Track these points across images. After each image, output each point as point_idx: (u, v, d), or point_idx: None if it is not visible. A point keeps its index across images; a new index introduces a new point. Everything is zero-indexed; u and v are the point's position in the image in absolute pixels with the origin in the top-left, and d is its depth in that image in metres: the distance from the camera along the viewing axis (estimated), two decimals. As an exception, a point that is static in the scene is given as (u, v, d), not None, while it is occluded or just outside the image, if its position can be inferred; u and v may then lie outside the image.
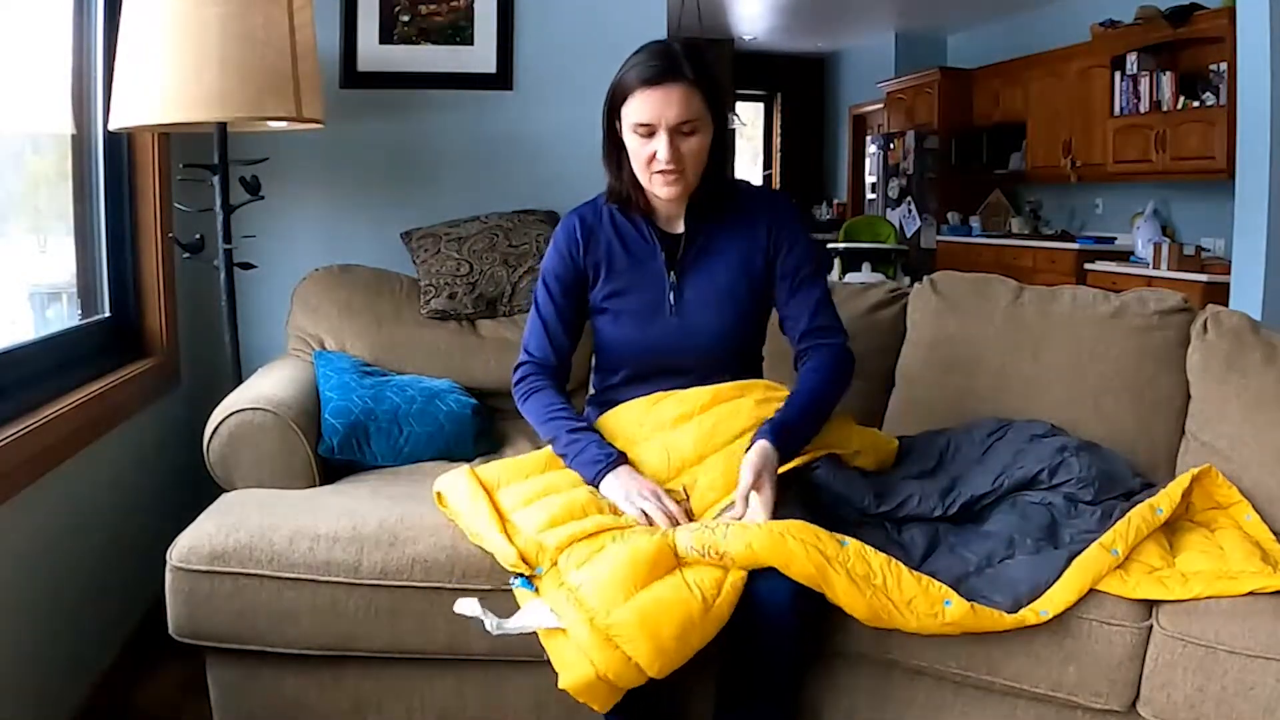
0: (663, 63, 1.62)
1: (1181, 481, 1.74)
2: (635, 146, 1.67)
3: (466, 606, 1.44)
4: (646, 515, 1.56)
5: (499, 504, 1.61)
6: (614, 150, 1.74)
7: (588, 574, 1.43)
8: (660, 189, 1.69)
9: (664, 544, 1.46)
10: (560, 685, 1.39)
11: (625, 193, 1.75)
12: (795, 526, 1.49)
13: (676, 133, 1.63)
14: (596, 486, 1.63)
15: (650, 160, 1.65)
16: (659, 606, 1.38)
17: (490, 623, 1.41)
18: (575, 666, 1.38)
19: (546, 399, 1.75)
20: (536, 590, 1.48)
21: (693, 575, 1.43)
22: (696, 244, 1.78)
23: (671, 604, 1.39)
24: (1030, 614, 1.49)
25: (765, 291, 1.79)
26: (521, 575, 1.50)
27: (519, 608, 1.47)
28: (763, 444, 1.60)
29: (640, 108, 1.63)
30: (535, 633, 1.43)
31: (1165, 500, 1.69)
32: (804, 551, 1.46)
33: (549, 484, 1.64)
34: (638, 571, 1.41)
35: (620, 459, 1.65)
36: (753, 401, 1.73)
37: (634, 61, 1.66)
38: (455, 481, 1.67)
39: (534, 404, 1.76)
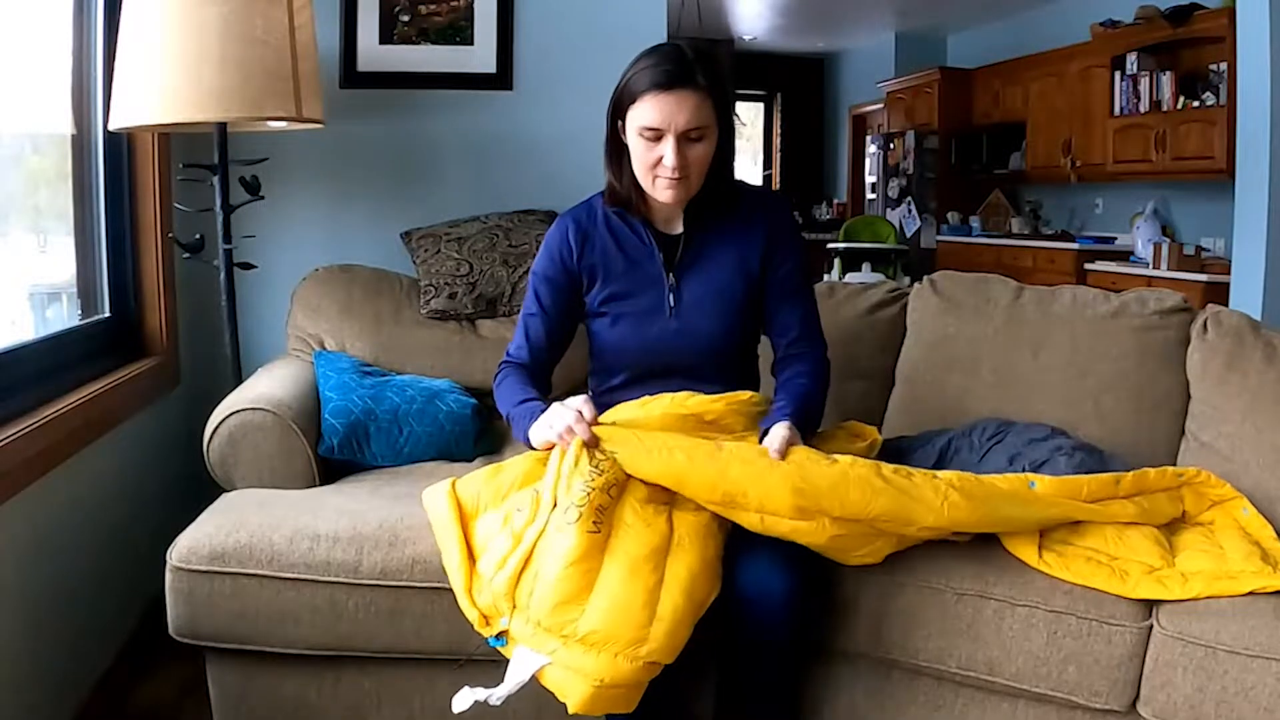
0: (675, 67, 1.60)
1: (1163, 470, 1.75)
2: (640, 150, 1.65)
3: (463, 700, 1.40)
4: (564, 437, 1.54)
5: (472, 542, 1.57)
6: (616, 151, 1.72)
7: (537, 600, 1.41)
8: (662, 194, 1.68)
9: (585, 537, 1.41)
10: (571, 711, 1.39)
11: (626, 194, 1.74)
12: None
13: (684, 139, 1.62)
14: (531, 444, 1.62)
15: (655, 165, 1.64)
16: (614, 600, 1.37)
17: (491, 697, 1.39)
18: (572, 686, 1.38)
19: (512, 380, 1.74)
20: (507, 642, 1.47)
21: (634, 548, 1.41)
22: (694, 246, 1.77)
23: (627, 592, 1.38)
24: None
25: (760, 293, 1.79)
26: (490, 637, 1.49)
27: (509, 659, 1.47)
28: (785, 423, 1.60)
29: (649, 112, 1.61)
30: (535, 677, 1.42)
31: (1131, 476, 1.70)
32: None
33: (513, 509, 1.58)
34: (574, 577, 1.39)
35: (539, 409, 1.63)
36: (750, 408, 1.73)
37: (645, 64, 1.63)
38: (437, 504, 1.63)
39: (502, 389, 1.75)
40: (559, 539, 1.42)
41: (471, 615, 1.50)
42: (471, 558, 1.55)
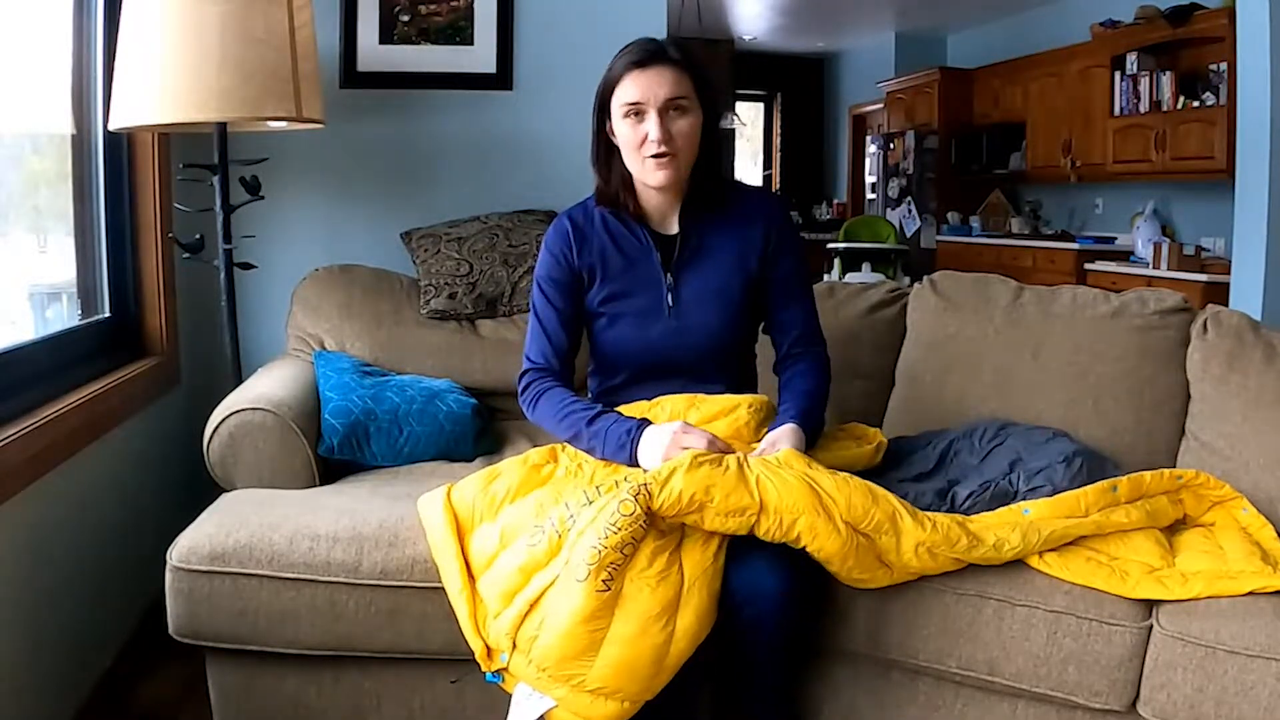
0: (649, 46, 1.68)
1: (1160, 473, 1.75)
2: (626, 132, 1.68)
3: None
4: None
5: (469, 556, 1.58)
6: (604, 152, 1.75)
7: (542, 649, 1.42)
8: (652, 174, 1.69)
9: (593, 597, 1.39)
10: None
11: (615, 195, 1.76)
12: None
13: (666, 112, 1.65)
14: (635, 465, 1.61)
15: (642, 143, 1.67)
16: (623, 658, 1.40)
17: None
18: None
19: (557, 397, 1.73)
20: (504, 679, 1.49)
21: (647, 605, 1.41)
22: (691, 244, 1.78)
23: (637, 650, 1.40)
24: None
25: (758, 292, 1.80)
26: (488, 672, 1.50)
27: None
28: (790, 425, 1.64)
29: (629, 89, 1.66)
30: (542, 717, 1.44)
31: (1126, 482, 1.70)
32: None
33: (510, 526, 1.57)
34: (582, 635, 1.40)
35: (640, 427, 1.63)
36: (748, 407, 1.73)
37: (620, 54, 1.70)
38: (434, 516, 1.63)
39: (545, 405, 1.74)
40: (567, 595, 1.41)
41: (476, 646, 1.51)
42: (471, 577, 1.56)
